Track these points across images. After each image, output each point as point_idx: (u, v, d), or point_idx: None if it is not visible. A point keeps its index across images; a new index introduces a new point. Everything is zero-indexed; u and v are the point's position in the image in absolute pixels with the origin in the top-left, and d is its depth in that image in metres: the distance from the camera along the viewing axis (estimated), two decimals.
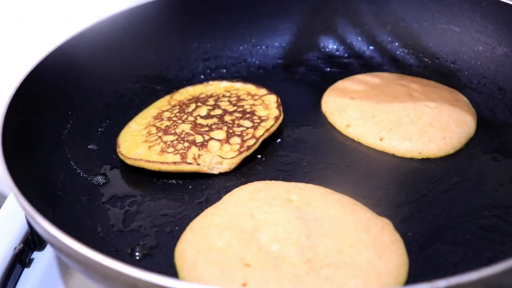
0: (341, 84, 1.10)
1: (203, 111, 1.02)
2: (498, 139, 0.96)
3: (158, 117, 1.02)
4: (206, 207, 0.85)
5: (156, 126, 1.00)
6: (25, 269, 0.87)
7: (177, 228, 0.85)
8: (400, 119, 0.98)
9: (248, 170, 0.94)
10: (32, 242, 0.89)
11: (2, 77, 1.33)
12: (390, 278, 0.73)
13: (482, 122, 0.99)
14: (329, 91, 1.09)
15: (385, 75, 1.11)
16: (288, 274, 0.72)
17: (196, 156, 0.93)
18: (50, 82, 0.98)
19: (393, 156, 0.94)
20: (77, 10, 1.50)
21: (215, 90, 1.08)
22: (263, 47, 1.19)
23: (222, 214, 0.82)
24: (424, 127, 0.96)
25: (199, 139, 0.96)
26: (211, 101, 1.04)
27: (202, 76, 1.16)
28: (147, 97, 1.10)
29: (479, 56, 1.07)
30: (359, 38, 1.18)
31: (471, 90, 1.05)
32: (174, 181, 0.93)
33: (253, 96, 1.05)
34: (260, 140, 0.96)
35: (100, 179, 0.94)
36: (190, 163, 0.92)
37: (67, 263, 0.82)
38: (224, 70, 1.17)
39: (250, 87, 1.07)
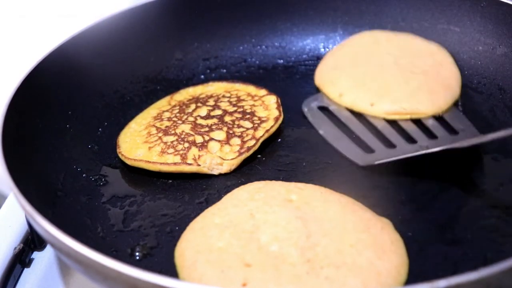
0: (331, 58, 1.12)
1: (203, 111, 1.02)
2: (498, 139, 0.96)
3: (158, 117, 1.02)
4: (206, 207, 0.85)
5: (156, 127, 1.00)
6: (25, 269, 0.87)
7: (177, 228, 0.85)
8: (389, 86, 1.02)
9: (248, 170, 0.94)
10: (32, 242, 0.89)
11: (2, 77, 1.33)
12: (390, 278, 0.73)
13: (482, 122, 0.99)
14: (320, 66, 1.12)
15: (370, 42, 1.13)
16: (288, 274, 0.72)
17: (196, 157, 0.93)
18: (50, 82, 0.98)
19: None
20: (77, 10, 1.50)
21: (215, 91, 1.08)
22: (263, 47, 1.19)
23: (222, 214, 0.82)
24: (413, 91, 1.01)
25: (199, 139, 0.96)
26: (211, 102, 1.04)
27: (202, 76, 1.16)
28: (147, 97, 1.10)
29: (479, 56, 1.07)
30: None
31: (471, 90, 1.05)
32: (174, 181, 0.93)
33: (253, 96, 1.05)
34: (260, 141, 0.96)
35: (100, 179, 0.94)
36: (190, 164, 0.92)
37: (67, 263, 0.82)
38: (224, 70, 1.17)
39: (250, 88, 1.07)
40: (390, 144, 0.96)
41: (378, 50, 1.10)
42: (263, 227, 0.78)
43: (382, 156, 0.93)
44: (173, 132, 0.98)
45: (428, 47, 1.10)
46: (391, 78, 1.04)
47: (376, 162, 0.92)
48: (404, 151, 0.93)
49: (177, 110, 1.03)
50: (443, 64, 1.06)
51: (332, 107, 1.04)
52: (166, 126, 0.99)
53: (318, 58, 1.18)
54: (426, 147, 0.94)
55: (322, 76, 1.09)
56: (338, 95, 1.04)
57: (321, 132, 1.00)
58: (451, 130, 0.97)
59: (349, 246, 0.75)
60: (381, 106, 1.01)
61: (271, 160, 0.96)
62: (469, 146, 0.87)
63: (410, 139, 0.96)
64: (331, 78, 1.07)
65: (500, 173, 0.90)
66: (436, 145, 0.94)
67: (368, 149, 0.95)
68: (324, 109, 1.04)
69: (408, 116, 0.99)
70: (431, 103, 1.00)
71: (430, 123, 0.99)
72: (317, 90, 1.09)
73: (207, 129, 0.98)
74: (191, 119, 1.00)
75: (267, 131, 0.97)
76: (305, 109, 1.05)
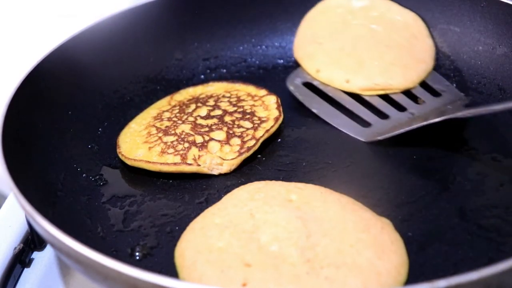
0: (307, 29, 1.13)
1: (203, 111, 1.02)
2: (498, 139, 0.96)
3: (158, 117, 1.02)
4: (206, 207, 0.85)
5: (156, 127, 1.00)
6: (25, 269, 0.87)
7: (177, 228, 0.85)
8: (363, 62, 1.04)
9: (248, 170, 0.94)
10: (32, 242, 0.89)
11: (2, 77, 1.33)
12: (390, 278, 0.73)
13: (482, 122, 0.99)
14: (298, 38, 1.13)
15: (346, 11, 1.13)
16: (288, 274, 0.72)
17: (196, 157, 0.93)
18: (50, 82, 0.98)
19: (391, 153, 0.94)
20: (77, 10, 1.50)
21: (215, 91, 1.08)
22: (263, 47, 1.19)
23: (222, 214, 0.82)
24: (386, 66, 1.03)
25: (199, 139, 0.96)
26: (211, 102, 1.04)
27: (202, 76, 1.16)
28: (147, 97, 1.10)
29: (479, 56, 1.07)
30: None
31: (471, 90, 1.05)
32: (174, 181, 0.93)
33: (253, 97, 1.05)
34: (260, 141, 0.96)
35: (100, 179, 0.94)
36: (190, 164, 0.92)
37: (67, 263, 0.82)
38: (224, 70, 1.17)
39: (250, 88, 1.07)
40: (383, 115, 0.99)
41: (354, 22, 1.11)
42: (263, 227, 0.78)
43: (381, 129, 0.96)
44: (173, 132, 0.98)
45: (404, 17, 1.11)
46: (365, 53, 1.05)
47: (380, 138, 0.95)
48: (399, 121, 0.97)
49: (177, 110, 1.03)
50: (418, 37, 1.08)
51: (315, 82, 1.06)
52: (166, 126, 0.99)
53: None
54: (417, 114, 0.97)
55: (300, 50, 1.11)
56: (315, 71, 1.06)
57: (314, 110, 1.02)
58: (434, 92, 1.01)
59: (349, 246, 0.75)
60: (355, 82, 1.03)
61: (271, 160, 0.96)
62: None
63: (399, 107, 1.00)
64: (308, 53, 1.09)
65: (500, 173, 0.90)
66: (425, 109, 0.98)
67: (364, 123, 0.98)
68: (308, 85, 1.07)
69: (381, 92, 1.02)
70: (403, 78, 1.02)
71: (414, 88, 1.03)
72: (296, 64, 1.11)
73: (207, 129, 0.98)
74: (191, 119, 1.00)
75: (267, 131, 0.97)
76: (291, 87, 1.07)
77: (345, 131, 0.98)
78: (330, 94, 1.04)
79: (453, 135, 0.97)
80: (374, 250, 0.75)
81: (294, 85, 1.07)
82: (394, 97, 1.01)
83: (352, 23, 1.11)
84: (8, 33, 1.52)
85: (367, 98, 1.02)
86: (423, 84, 1.03)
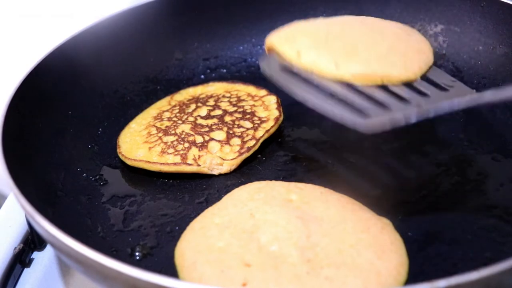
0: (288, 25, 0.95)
1: (203, 111, 1.02)
2: (498, 139, 0.96)
3: (158, 117, 1.02)
4: (206, 207, 0.85)
5: (156, 127, 1.00)
6: (25, 269, 0.87)
7: (177, 228, 0.85)
8: (356, 46, 0.85)
9: (248, 170, 0.94)
10: (32, 242, 0.89)
11: (2, 77, 1.33)
12: (390, 278, 0.73)
13: (482, 122, 0.99)
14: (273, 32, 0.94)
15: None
16: (288, 274, 0.72)
17: (197, 157, 0.93)
18: (50, 82, 0.98)
19: (391, 153, 0.94)
20: (77, 10, 1.50)
21: (215, 91, 1.08)
22: (263, 47, 1.19)
23: (222, 214, 0.82)
24: (383, 53, 0.85)
25: (199, 139, 0.96)
26: (211, 102, 1.04)
27: (202, 76, 1.16)
28: (147, 97, 1.10)
29: (479, 56, 1.07)
30: None
31: None
32: (174, 181, 0.93)
33: (253, 97, 1.05)
34: (260, 141, 0.96)
35: (100, 179, 0.94)
36: (190, 164, 0.92)
37: (67, 263, 0.82)
38: (224, 70, 1.17)
39: (250, 88, 1.07)
40: (382, 106, 0.80)
41: (342, 18, 0.95)
42: (263, 227, 0.78)
43: (384, 120, 0.78)
44: (173, 132, 0.98)
45: (392, 22, 0.96)
46: (358, 39, 0.87)
47: (384, 126, 0.77)
48: (403, 111, 0.79)
49: (177, 110, 1.03)
50: (411, 34, 0.93)
51: (295, 69, 0.85)
52: (166, 126, 0.99)
53: None
54: (424, 107, 0.79)
55: (275, 36, 0.91)
56: (296, 54, 0.85)
57: (299, 98, 0.82)
58: (438, 87, 0.84)
59: (349, 246, 0.75)
60: (347, 67, 0.82)
61: (271, 160, 0.96)
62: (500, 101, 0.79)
63: (400, 99, 0.81)
64: (287, 36, 0.89)
65: (500, 173, 0.89)
66: (432, 103, 0.80)
67: (362, 114, 0.79)
68: (288, 71, 0.86)
69: (379, 81, 0.82)
70: (404, 67, 0.84)
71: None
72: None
73: (207, 129, 0.98)
74: (191, 119, 1.00)
75: (267, 131, 0.97)
76: (267, 71, 0.87)
77: (343, 122, 0.79)
78: (316, 83, 0.83)
79: (453, 135, 0.97)
80: (374, 250, 0.75)
81: (271, 69, 0.86)
82: (394, 89, 0.82)
83: (338, 18, 0.95)
84: (8, 33, 1.52)
85: (360, 88, 0.82)
86: (427, 80, 0.85)
